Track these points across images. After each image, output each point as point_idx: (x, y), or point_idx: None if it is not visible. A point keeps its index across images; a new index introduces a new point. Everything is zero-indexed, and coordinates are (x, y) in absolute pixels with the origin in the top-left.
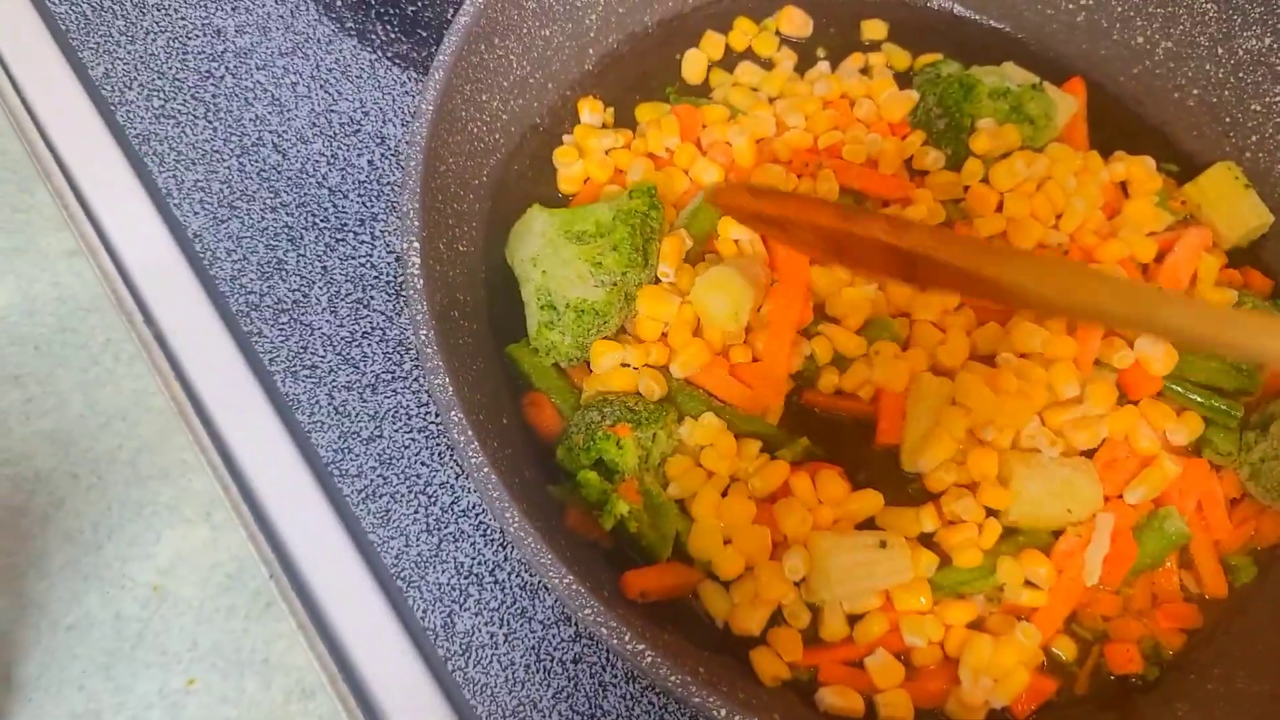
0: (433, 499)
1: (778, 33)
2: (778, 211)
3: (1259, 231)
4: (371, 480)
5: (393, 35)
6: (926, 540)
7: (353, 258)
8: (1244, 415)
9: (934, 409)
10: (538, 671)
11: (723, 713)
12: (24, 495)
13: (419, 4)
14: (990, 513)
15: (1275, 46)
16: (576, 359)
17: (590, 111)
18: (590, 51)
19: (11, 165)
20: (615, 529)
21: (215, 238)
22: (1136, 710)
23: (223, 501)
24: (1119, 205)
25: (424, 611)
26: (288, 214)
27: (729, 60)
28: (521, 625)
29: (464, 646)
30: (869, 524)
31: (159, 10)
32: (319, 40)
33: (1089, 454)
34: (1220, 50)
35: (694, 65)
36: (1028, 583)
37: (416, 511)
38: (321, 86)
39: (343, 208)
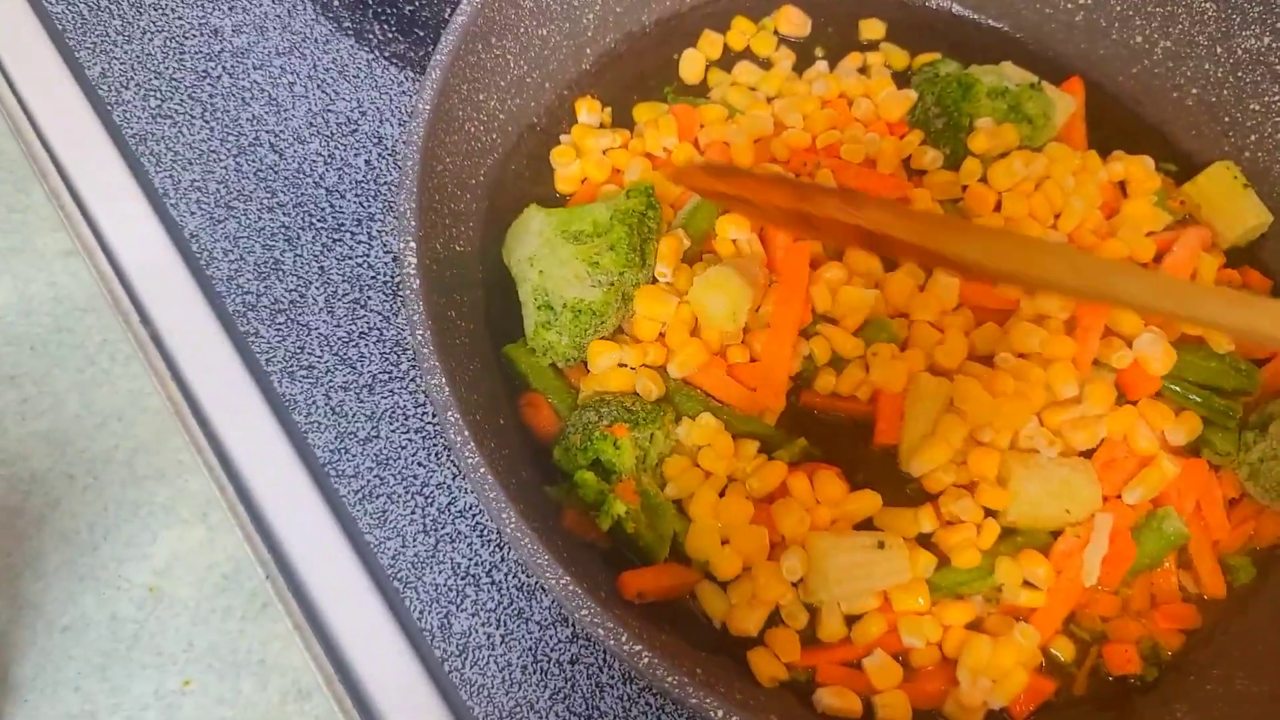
0: (430, 499)
1: (776, 32)
2: (734, 191)
3: (1258, 231)
4: (368, 481)
5: (390, 35)
6: (925, 541)
7: (350, 258)
8: (1243, 415)
9: (932, 410)
10: (535, 672)
11: (720, 713)
12: (20, 496)
13: (416, 3)
14: (989, 513)
15: (1274, 46)
16: (573, 359)
17: (588, 111)
18: (588, 51)
19: (8, 165)
20: (612, 529)
21: (212, 238)
22: (1135, 711)
23: (219, 502)
24: (1117, 205)
25: (421, 612)
26: (285, 214)
27: (727, 60)
28: (519, 626)
29: (461, 647)
30: (867, 524)
31: (156, 10)
32: (316, 40)
33: (1087, 454)
34: (1219, 49)
35: (692, 65)
36: (1026, 583)
37: (413, 512)
38: (319, 86)
39: (340, 208)
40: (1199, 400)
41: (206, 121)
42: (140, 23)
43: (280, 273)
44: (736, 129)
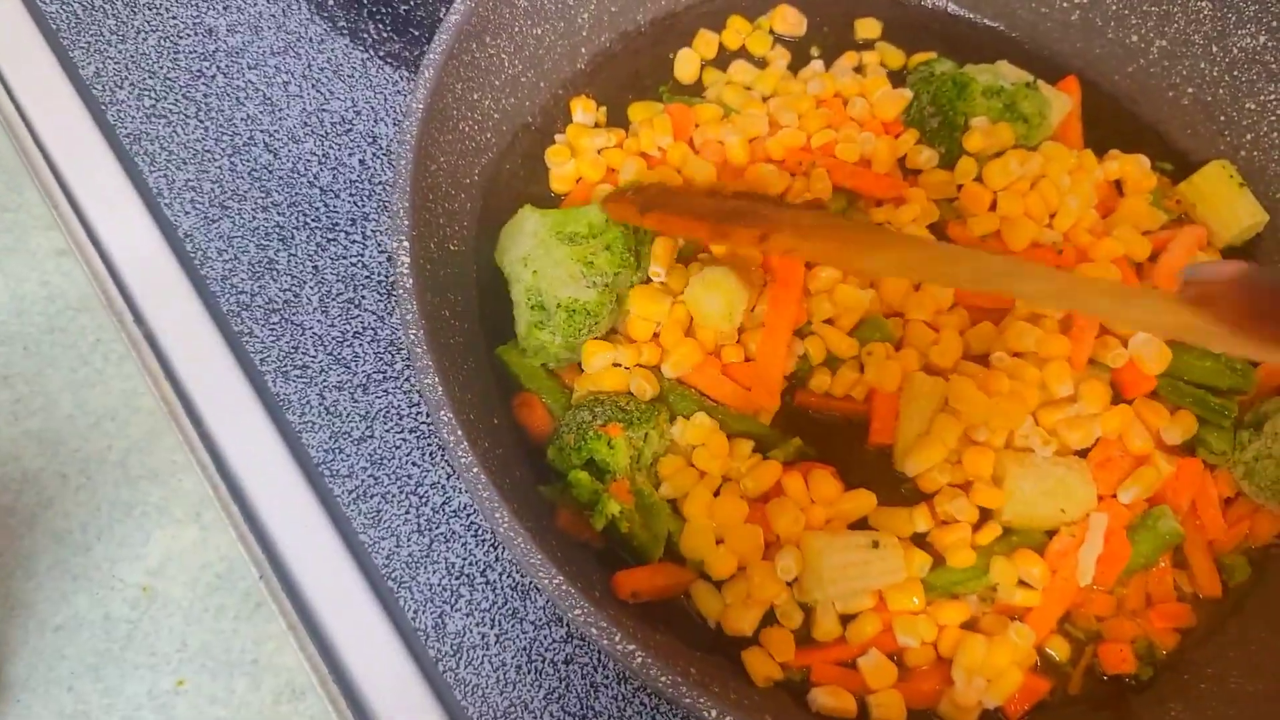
0: (424, 499)
1: (771, 31)
2: (658, 227)
3: (1253, 230)
4: (362, 480)
5: (385, 34)
6: (920, 540)
7: (344, 257)
8: (1238, 414)
9: (927, 409)
10: (529, 672)
11: (714, 713)
12: (12, 495)
13: (411, 3)
14: (984, 513)
15: (1270, 45)
16: (566, 360)
17: (583, 110)
18: (583, 50)
19: (1, 164)
20: (606, 529)
21: (206, 237)
22: (1130, 710)
23: (212, 502)
24: (1113, 204)
25: (415, 612)
26: (279, 213)
27: (722, 59)
28: (513, 626)
29: (455, 647)
30: (862, 524)
31: (150, 9)
32: (311, 39)
33: (1083, 453)
34: (1215, 48)
35: (687, 64)
36: (1021, 583)
37: (407, 512)
38: (313, 85)
39: (334, 207)
40: (1194, 399)
41: (201, 121)
42: (134, 22)
43: (274, 272)
44: (731, 128)
